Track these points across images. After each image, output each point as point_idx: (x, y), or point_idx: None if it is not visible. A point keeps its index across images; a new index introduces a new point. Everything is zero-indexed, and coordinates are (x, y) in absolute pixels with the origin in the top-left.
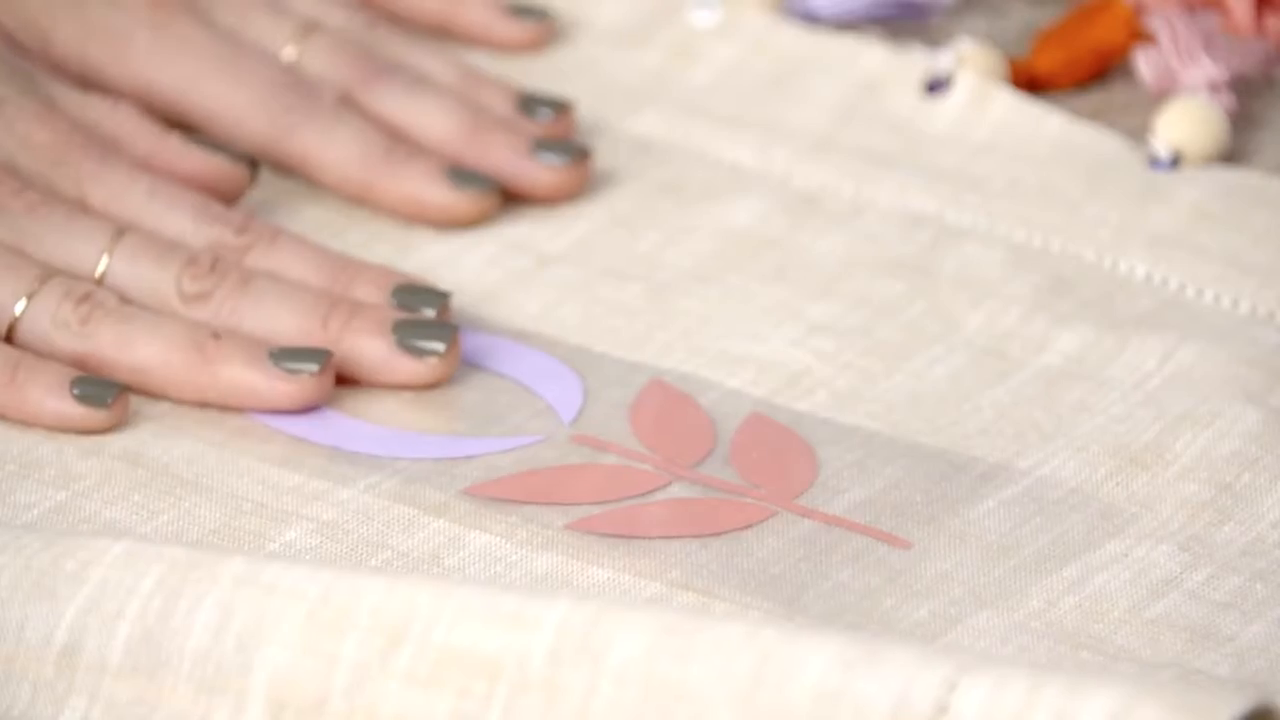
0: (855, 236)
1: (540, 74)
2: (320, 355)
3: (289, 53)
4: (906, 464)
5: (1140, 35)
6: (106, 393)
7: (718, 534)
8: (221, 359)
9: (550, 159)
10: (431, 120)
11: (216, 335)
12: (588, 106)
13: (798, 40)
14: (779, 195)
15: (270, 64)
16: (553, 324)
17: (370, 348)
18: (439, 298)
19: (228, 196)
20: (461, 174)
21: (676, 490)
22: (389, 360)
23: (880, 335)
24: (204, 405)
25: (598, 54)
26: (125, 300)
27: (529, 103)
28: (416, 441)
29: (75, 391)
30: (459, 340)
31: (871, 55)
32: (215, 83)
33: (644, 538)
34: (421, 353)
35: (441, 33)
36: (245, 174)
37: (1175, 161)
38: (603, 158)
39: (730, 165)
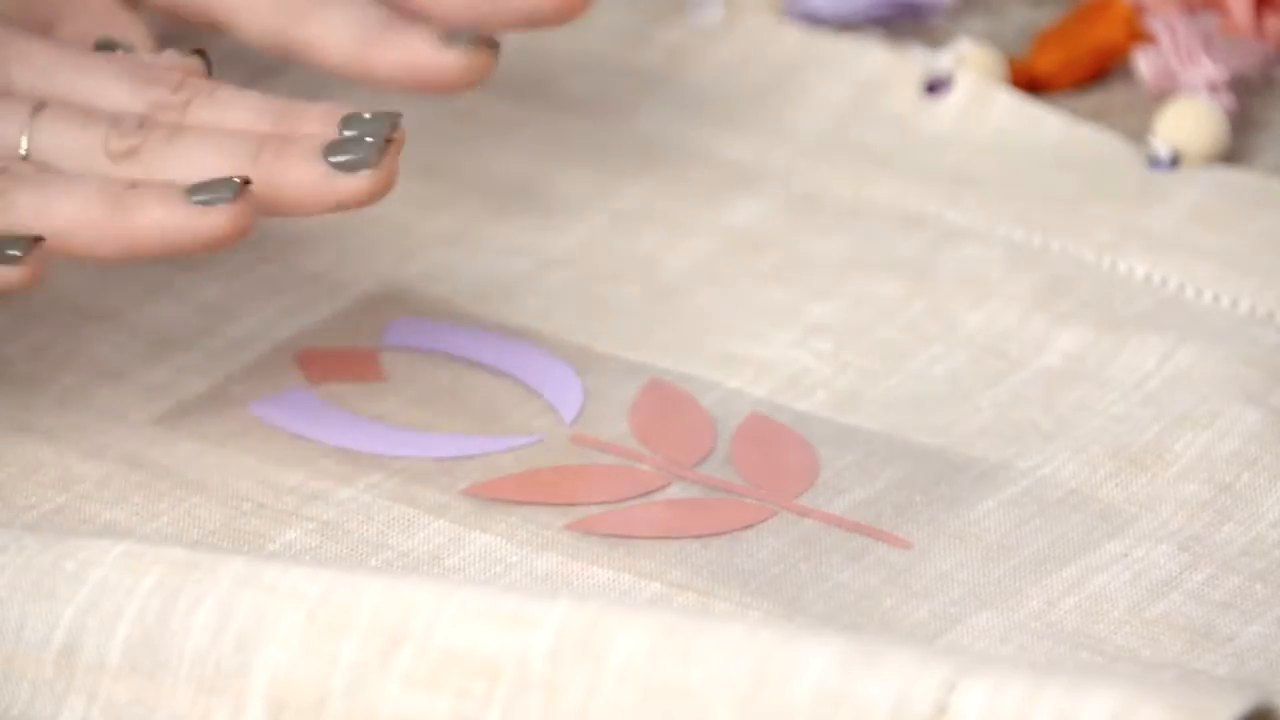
0: (855, 236)
1: (540, 74)
2: (232, 183)
3: None
4: (906, 464)
5: (1140, 35)
6: (14, 245)
7: (718, 534)
8: (137, 206)
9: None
10: None
11: (134, 185)
12: (588, 106)
13: (798, 40)
14: (779, 195)
15: None
16: (553, 324)
17: (301, 172)
18: (390, 117)
19: None
20: (454, 34)
21: (676, 490)
22: (322, 182)
23: (880, 335)
24: (130, 258)
25: (598, 53)
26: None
27: None
28: (417, 440)
29: None
30: (395, 151)
31: (871, 55)
32: None
33: (644, 538)
34: (354, 167)
35: None
36: (199, 67)
37: (1175, 162)
38: (603, 158)
39: (730, 165)
